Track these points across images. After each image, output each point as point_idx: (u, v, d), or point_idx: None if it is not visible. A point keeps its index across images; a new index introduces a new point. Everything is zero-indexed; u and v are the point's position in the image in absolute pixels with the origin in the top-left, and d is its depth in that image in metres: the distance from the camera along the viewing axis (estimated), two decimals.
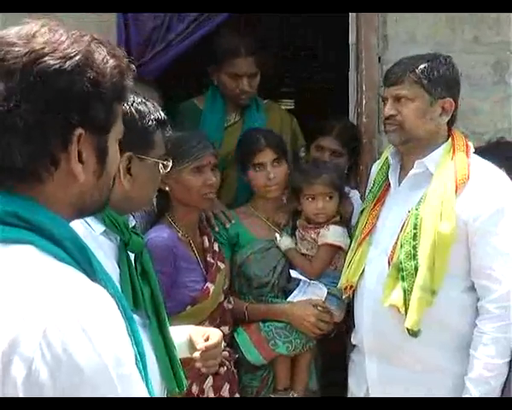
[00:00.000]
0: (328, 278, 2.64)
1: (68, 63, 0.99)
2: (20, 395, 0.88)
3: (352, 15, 3.03)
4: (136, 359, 1.04)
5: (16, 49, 0.99)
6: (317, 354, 2.76)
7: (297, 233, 2.73)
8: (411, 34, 3.00)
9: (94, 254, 1.06)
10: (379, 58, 2.98)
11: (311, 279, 2.65)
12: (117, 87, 1.06)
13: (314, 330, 2.61)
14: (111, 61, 1.05)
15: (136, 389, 0.96)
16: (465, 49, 3.00)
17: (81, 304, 0.92)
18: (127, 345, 0.98)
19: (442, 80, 2.31)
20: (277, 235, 2.71)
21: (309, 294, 2.64)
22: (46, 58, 0.99)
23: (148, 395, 1.01)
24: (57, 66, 0.99)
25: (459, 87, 2.40)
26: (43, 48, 0.99)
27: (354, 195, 2.87)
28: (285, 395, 2.64)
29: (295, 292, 2.66)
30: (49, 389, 0.88)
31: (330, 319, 2.63)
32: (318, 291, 2.63)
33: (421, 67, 2.30)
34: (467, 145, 2.35)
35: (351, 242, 2.54)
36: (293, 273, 2.67)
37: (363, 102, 2.97)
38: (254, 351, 2.60)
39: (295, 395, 2.66)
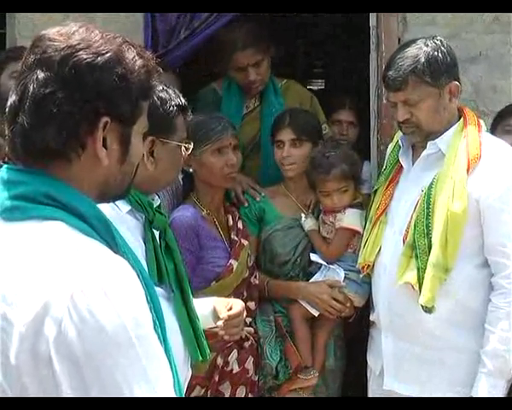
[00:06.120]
0: (348, 262, 2.67)
1: (100, 59, 1.12)
2: (52, 352, 0.98)
3: None
4: (155, 324, 1.13)
5: (56, 43, 1.12)
6: (337, 336, 2.80)
7: (320, 216, 2.75)
8: (431, 16, 3.01)
9: (117, 230, 1.17)
10: (398, 40, 3.00)
11: (329, 263, 2.68)
12: (143, 85, 1.18)
13: (327, 308, 2.64)
14: (139, 61, 1.17)
15: (153, 349, 1.06)
16: (485, 29, 3.01)
17: (103, 272, 1.03)
18: (145, 310, 1.07)
19: (442, 68, 2.30)
20: (303, 215, 2.74)
21: (328, 277, 2.67)
22: (80, 53, 1.11)
23: (164, 356, 1.10)
24: (89, 60, 1.11)
25: (457, 65, 2.38)
26: (79, 44, 1.12)
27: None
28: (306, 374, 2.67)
29: (316, 275, 2.70)
30: (77, 347, 0.98)
31: (345, 300, 2.65)
32: (336, 276, 2.66)
33: (420, 65, 2.27)
34: (478, 124, 2.36)
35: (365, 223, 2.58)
36: (313, 257, 2.71)
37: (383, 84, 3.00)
38: None
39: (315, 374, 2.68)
